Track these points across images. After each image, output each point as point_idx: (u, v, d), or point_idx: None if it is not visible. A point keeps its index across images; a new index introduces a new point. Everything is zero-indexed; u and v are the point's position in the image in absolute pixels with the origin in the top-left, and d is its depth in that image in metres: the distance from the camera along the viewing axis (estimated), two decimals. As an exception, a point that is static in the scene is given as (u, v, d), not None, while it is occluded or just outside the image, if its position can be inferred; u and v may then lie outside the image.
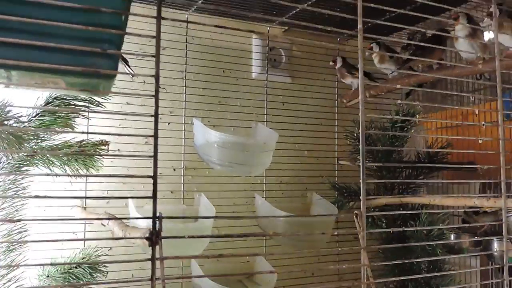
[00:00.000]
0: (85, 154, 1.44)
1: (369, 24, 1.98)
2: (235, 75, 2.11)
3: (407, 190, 2.02)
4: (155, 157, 0.76)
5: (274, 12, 1.95)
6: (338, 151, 2.26)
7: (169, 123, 1.98)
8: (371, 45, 1.99)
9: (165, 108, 1.97)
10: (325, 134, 2.22)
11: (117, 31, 0.76)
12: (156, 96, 0.79)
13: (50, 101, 1.46)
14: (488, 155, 1.71)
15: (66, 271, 1.44)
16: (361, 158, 0.91)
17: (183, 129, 1.97)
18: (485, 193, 2.14)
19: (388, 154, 1.93)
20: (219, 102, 2.07)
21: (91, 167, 1.62)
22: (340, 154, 2.25)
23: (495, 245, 1.76)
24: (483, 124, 1.65)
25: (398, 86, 1.94)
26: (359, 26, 0.93)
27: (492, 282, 1.99)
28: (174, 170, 1.99)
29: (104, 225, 1.37)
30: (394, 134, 1.84)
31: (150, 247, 0.75)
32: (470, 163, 1.99)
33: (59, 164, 1.47)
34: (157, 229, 0.76)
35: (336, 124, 2.27)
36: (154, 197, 0.76)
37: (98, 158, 1.60)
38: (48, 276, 1.45)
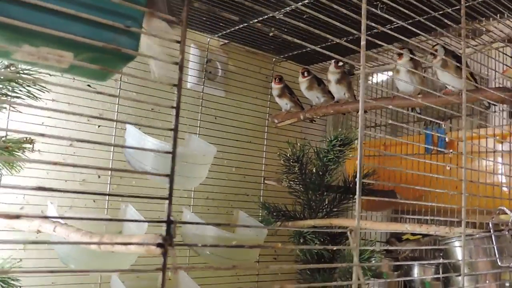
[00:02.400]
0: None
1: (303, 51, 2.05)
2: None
3: (330, 214, 2.07)
4: (173, 154, 0.68)
5: (220, 24, 1.91)
6: (264, 171, 2.25)
7: (99, 126, 1.83)
8: (304, 71, 2.06)
9: (95, 110, 1.81)
10: (254, 152, 2.21)
11: (141, 7, 0.68)
12: (179, 85, 0.71)
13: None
14: (403, 188, 1.84)
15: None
16: (358, 174, 0.90)
17: (113, 134, 1.83)
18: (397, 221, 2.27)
19: (321, 176, 1.96)
20: (152, 109, 1.96)
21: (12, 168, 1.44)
22: (266, 174, 2.25)
23: (415, 270, 1.86)
24: (451, 152, 1.75)
25: (332, 111, 1.99)
26: (362, 43, 0.93)
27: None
28: (99, 177, 1.83)
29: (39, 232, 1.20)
30: (329, 158, 1.87)
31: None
32: (392, 192, 2.11)
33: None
34: (171, 234, 0.67)
35: (265, 144, 2.27)
36: (170, 197, 0.68)
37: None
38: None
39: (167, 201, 0.68)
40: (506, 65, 1.49)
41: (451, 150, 1.79)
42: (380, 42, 1.04)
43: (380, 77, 2.61)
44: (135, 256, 1.58)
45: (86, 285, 1.75)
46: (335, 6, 0.97)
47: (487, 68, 1.85)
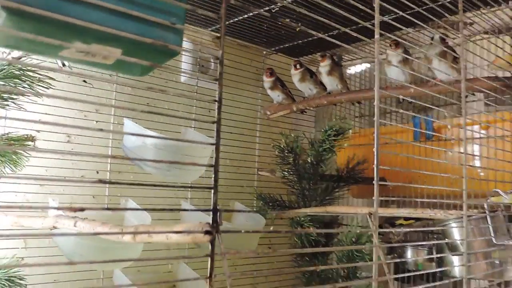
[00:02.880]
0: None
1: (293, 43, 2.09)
2: (164, 77, 2.03)
3: (324, 202, 2.12)
4: (217, 145, 0.71)
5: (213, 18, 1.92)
6: (258, 162, 2.29)
7: (97, 122, 1.83)
8: (296, 63, 2.10)
9: (92, 106, 1.81)
10: (247, 144, 2.24)
11: (184, 5, 0.70)
12: (220, 79, 0.74)
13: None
14: (396, 172, 1.90)
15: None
16: (375, 162, 0.94)
17: (110, 129, 1.84)
18: (388, 207, 2.34)
19: (314, 166, 2.01)
20: (147, 103, 1.97)
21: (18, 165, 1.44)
22: (259, 165, 2.29)
23: (409, 253, 1.93)
24: (453, 139, 1.82)
25: (325, 102, 2.04)
26: (376, 36, 0.98)
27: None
28: (97, 173, 1.83)
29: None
30: (324, 148, 1.92)
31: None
32: (382, 179, 2.17)
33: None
34: (217, 222, 0.70)
35: (257, 135, 2.31)
36: (215, 188, 0.71)
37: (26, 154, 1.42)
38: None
39: (212, 191, 0.71)
40: (496, 55, 1.56)
41: (453, 137, 1.86)
42: (382, 32, 1.08)
43: (356, 69, 2.68)
44: (141, 249, 1.60)
45: (88, 281, 1.76)
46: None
47: (473, 59, 1.92)
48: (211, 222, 0.70)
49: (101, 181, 0.59)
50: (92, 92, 1.82)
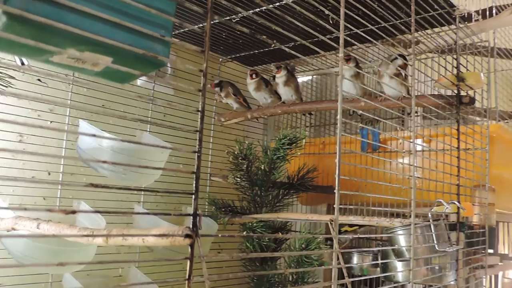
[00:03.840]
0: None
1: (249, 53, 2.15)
2: (121, 79, 2.02)
3: (274, 208, 2.18)
4: (199, 153, 0.74)
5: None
6: (211, 168, 2.32)
7: (51, 122, 1.79)
8: (252, 73, 2.16)
9: (46, 105, 1.78)
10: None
11: (171, 17, 0.73)
12: (203, 90, 0.77)
13: None
14: (344, 181, 2.00)
15: None
16: (337, 171, 1.01)
17: (65, 130, 1.80)
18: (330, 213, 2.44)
19: (266, 173, 2.07)
20: (102, 105, 1.95)
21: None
22: (212, 170, 2.31)
23: (355, 259, 2.02)
24: (404, 152, 1.92)
25: (279, 111, 2.10)
26: (340, 55, 1.04)
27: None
28: (49, 174, 1.79)
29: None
30: (278, 156, 1.98)
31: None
32: (330, 187, 2.27)
33: None
34: (197, 226, 0.73)
35: (211, 141, 2.34)
36: (196, 193, 0.74)
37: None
38: None
39: (193, 196, 0.75)
40: (440, 74, 1.68)
41: (397, 149, 1.97)
42: (336, 45, 1.16)
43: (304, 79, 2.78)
44: (94, 251, 1.59)
45: (36, 285, 1.72)
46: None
47: (418, 76, 2.05)
48: (191, 226, 0.73)
49: (92, 185, 0.61)
50: (47, 92, 1.78)
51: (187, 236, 0.72)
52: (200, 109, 0.77)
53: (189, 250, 0.72)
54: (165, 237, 0.74)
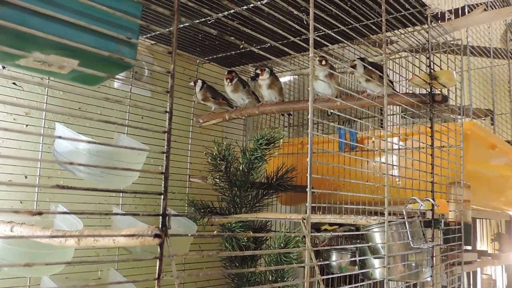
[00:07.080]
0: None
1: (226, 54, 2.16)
2: (97, 82, 2.01)
3: (253, 208, 2.20)
4: (167, 153, 0.75)
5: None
6: (190, 169, 2.32)
7: (27, 125, 1.78)
8: (232, 75, 2.16)
9: (21, 109, 1.76)
10: (179, 151, 2.27)
11: (137, 20, 0.74)
12: (171, 92, 0.78)
13: None
14: (323, 180, 2.02)
15: None
16: (309, 170, 1.02)
17: (41, 133, 1.79)
18: (314, 213, 2.46)
19: (245, 174, 2.08)
20: (79, 108, 1.94)
21: None
22: (191, 172, 2.32)
23: (334, 256, 2.05)
24: (376, 150, 1.94)
25: (257, 112, 2.12)
26: (311, 55, 1.06)
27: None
28: (26, 177, 1.78)
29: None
30: (256, 157, 2.00)
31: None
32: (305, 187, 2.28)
33: None
34: (166, 226, 0.74)
35: (190, 143, 2.34)
36: (165, 193, 0.75)
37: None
38: None
39: (162, 196, 0.75)
40: (413, 73, 1.71)
41: (375, 148, 1.99)
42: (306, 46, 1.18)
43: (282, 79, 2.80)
44: (71, 254, 1.58)
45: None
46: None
47: (393, 75, 2.09)
48: (160, 225, 0.74)
49: (58, 186, 0.61)
50: (22, 95, 1.77)
51: (156, 236, 0.73)
52: (168, 109, 0.77)
53: (159, 249, 0.73)
54: (134, 237, 0.75)
